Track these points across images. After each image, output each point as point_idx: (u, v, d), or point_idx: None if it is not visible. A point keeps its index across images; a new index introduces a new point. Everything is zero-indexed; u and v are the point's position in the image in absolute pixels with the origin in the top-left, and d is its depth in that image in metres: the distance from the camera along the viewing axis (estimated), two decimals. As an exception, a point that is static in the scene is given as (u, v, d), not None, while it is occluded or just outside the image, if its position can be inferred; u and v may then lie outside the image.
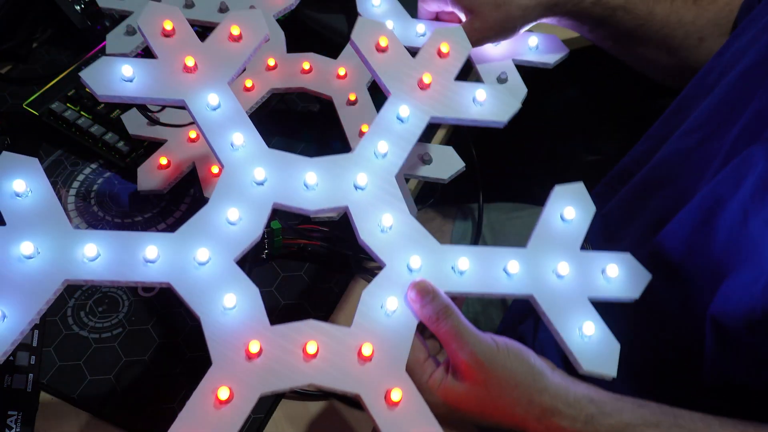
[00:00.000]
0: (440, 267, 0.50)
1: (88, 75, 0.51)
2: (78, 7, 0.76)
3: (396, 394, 0.44)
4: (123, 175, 0.70)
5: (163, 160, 0.64)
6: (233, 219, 0.48)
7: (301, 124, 0.76)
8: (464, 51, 0.58)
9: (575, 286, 0.51)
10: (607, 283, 0.52)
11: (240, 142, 0.51)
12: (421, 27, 0.69)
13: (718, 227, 0.51)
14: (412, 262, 0.49)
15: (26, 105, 0.70)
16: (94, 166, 0.70)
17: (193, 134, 0.66)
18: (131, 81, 0.51)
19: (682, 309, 0.55)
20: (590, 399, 0.47)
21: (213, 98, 0.52)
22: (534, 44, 0.70)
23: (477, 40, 0.63)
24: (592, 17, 0.66)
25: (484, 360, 0.46)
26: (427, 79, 0.55)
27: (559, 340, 0.49)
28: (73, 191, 0.68)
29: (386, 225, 0.50)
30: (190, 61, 0.52)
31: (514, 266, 0.50)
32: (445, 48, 0.57)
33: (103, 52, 0.74)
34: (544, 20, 0.67)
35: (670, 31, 0.66)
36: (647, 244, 0.58)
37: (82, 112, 0.70)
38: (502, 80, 0.67)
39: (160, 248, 0.46)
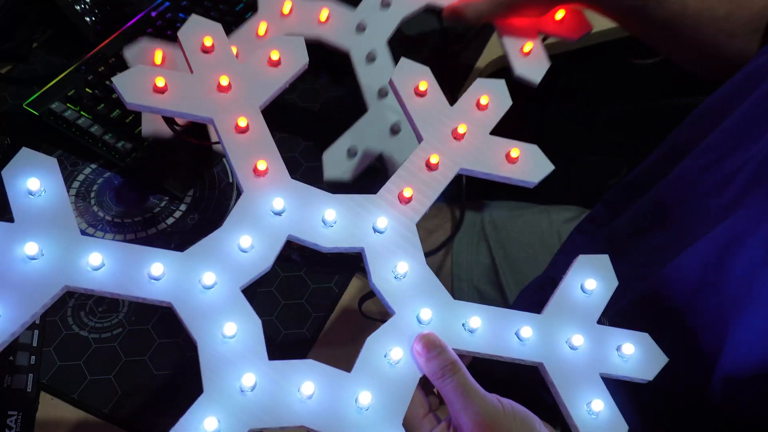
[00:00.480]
0: (451, 323, 0.48)
1: (120, 81, 0.50)
2: (78, 7, 0.76)
3: None
4: (123, 175, 0.70)
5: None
6: (245, 246, 0.47)
7: (301, 123, 0.76)
8: (504, 106, 0.57)
9: (588, 360, 0.49)
10: (621, 361, 0.50)
11: (263, 169, 0.50)
12: None
13: (734, 265, 0.50)
14: (423, 314, 0.48)
15: (26, 105, 0.69)
16: (94, 166, 0.70)
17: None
18: (163, 93, 0.50)
19: (688, 345, 0.54)
20: None
21: (242, 121, 0.50)
22: (560, 18, 0.69)
23: (504, 14, 0.63)
24: (622, 7, 0.65)
25: (489, 422, 0.44)
26: (461, 129, 0.54)
27: (566, 414, 0.48)
28: (73, 191, 0.68)
29: (401, 272, 0.49)
30: (224, 81, 0.51)
31: (527, 331, 0.49)
32: (484, 100, 0.57)
33: (102, 52, 0.74)
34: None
35: (701, 26, 0.65)
36: (655, 268, 0.57)
37: (82, 112, 0.70)
38: (525, 53, 0.66)
39: (167, 266, 0.45)
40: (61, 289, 0.43)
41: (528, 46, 0.65)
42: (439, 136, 0.55)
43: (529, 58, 0.65)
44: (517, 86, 1.04)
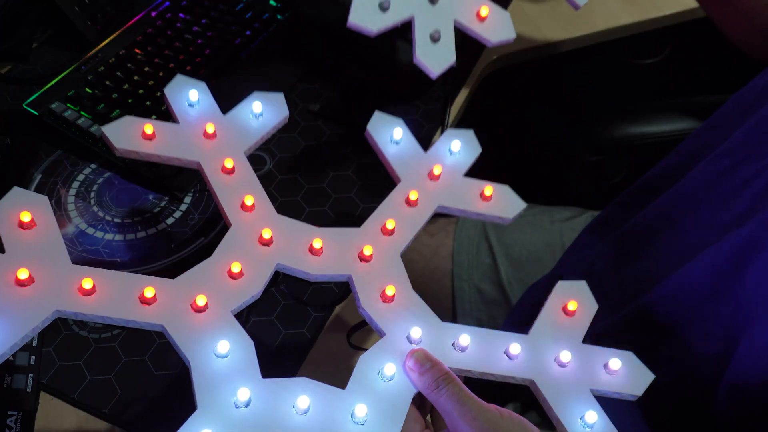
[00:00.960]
0: (440, 342, 0.49)
1: (109, 130, 0.52)
2: (78, 8, 0.76)
3: None
4: (123, 175, 0.69)
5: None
6: (235, 272, 0.48)
7: (301, 123, 0.76)
8: (474, 152, 0.61)
9: (577, 377, 0.50)
10: (609, 378, 0.50)
11: (250, 204, 0.51)
12: None
13: (748, 272, 0.50)
14: (413, 333, 0.49)
15: (26, 105, 0.69)
16: (94, 166, 0.70)
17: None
18: (151, 139, 0.52)
19: (697, 350, 0.54)
20: None
21: (229, 162, 0.53)
22: None
23: None
24: None
25: (488, 427, 0.43)
26: (437, 170, 0.57)
27: (559, 428, 0.48)
28: (73, 191, 0.68)
29: (389, 295, 0.50)
30: (210, 128, 0.54)
31: (515, 348, 0.49)
32: (455, 146, 0.60)
33: (102, 52, 0.74)
34: None
35: None
36: (667, 271, 0.57)
37: (82, 112, 0.70)
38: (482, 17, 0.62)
39: (158, 291, 0.46)
40: (53, 313, 0.44)
41: (483, 10, 0.61)
42: (415, 177, 0.57)
43: (491, 21, 0.62)
44: (518, 86, 1.04)
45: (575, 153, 1.11)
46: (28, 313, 0.43)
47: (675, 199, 0.62)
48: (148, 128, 0.52)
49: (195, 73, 0.74)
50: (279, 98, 0.58)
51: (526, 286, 0.76)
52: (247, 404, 0.43)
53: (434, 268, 0.80)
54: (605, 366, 0.51)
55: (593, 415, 0.48)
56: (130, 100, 0.71)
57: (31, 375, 0.55)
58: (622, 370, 0.50)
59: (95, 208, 0.67)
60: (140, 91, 0.72)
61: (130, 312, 0.45)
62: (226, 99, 0.64)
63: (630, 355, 0.52)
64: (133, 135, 0.52)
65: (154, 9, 0.79)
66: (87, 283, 0.45)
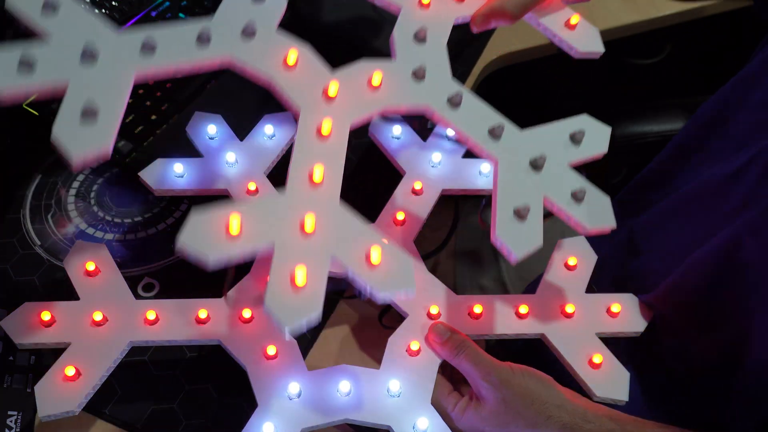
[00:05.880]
0: (457, 313, 0.55)
1: (146, 174, 0.61)
2: (78, 8, 0.76)
3: (423, 423, 0.50)
4: (123, 175, 0.69)
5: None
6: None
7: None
8: None
9: (583, 324, 0.56)
10: (612, 321, 0.57)
11: None
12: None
13: (751, 257, 0.50)
14: (432, 310, 0.56)
15: (26, 105, 0.69)
16: (94, 166, 0.70)
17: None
18: (182, 177, 0.61)
19: (704, 340, 0.54)
20: (610, 417, 0.49)
21: (252, 185, 0.61)
22: None
23: None
24: None
25: (501, 379, 0.49)
26: (436, 158, 0.64)
27: (572, 372, 0.54)
28: (73, 191, 0.68)
29: None
30: (231, 158, 0.62)
31: (524, 309, 0.56)
32: (450, 132, 0.67)
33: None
34: None
35: None
36: (672, 265, 0.57)
37: (82, 112, 0.70)
38: (572, 26, 0.59)
39: (210, 310, 0.54)
40: (127, 344, 0.52)
41: (574, 18, 0.58)
42: (419, 166, 0.64)
43: (579, 31, 0.59)
44: (518, 86, 1.04)
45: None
46: (108, 348, 0.51)
47: (677, 195, 0.63)
48: (178, 167, 0.61)
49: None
50: (288, 117, 0.65)
51: (527, 282, 0.76)
52: (299, 395, 0.50)
53: (436, 264, 0.80)
54: (607, 310, 0.56)
55: (600, 357, 0.54)
56: (130, 100, 0.71)
57: (31, 375, 0.55)
58: (623, 312, 0.57)
59: (95, 208, 0.67)
60: (140, 91, 0.72)
61: (190, 333, 0.53)
62: (228, 95, 0.64)
63: (630, 297, 0.57)
64: (166, 175, 0.61)
65: (154, 9, 0.79)
66: (151, 315, 0.53)
